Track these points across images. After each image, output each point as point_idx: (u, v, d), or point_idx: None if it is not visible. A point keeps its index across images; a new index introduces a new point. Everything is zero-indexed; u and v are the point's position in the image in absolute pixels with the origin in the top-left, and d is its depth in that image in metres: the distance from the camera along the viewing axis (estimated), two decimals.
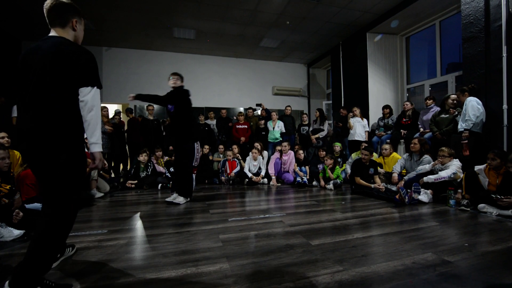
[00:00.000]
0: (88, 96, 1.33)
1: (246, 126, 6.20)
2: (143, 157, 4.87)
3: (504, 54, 3.50)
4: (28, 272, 1.22)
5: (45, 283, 1.29)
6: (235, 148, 5.50)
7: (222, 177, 5.29)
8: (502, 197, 2.66)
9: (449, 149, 3.46)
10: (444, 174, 3.30)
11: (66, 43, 1.36)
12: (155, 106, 6.74)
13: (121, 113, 6.14)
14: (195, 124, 3.31)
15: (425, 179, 3.43)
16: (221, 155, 5.80)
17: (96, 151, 1.39)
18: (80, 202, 3.07)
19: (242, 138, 6.03)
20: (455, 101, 4.07)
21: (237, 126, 6.18)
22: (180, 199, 3.38)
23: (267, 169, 5.31)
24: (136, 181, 4.77)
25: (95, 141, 1.37)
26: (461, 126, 3.51)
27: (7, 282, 1.22)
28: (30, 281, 1.23)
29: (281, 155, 5.23)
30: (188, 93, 3.34)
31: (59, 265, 1.64)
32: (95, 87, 1.36)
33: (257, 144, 5.46)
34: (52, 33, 1.45)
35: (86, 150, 1.54)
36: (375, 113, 5.97)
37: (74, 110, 1.34)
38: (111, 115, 5.80)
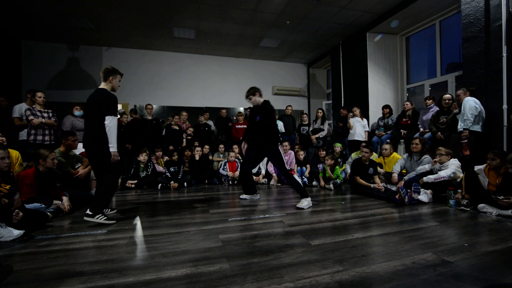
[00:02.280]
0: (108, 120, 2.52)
1: (245, 126, 6.18)
2: (143, 157, 4.86)
3: (504, 54, 3.50)
4: (96, 205, 2.53)
5: (104, 212, 2.61)
6: (236, 148, 5.50)
7: (224, 178, 5.29)
8: (502, 197, 2.66)
9: (445, 148, 3.46)
10: (444, 173, 3.30)
11: (104, 92, 2.61)
12: (154, 106, 6.74)
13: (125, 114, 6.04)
14: (277, 129, 3.46)
15: (424, 179, 3.43)
16: (221, 155, 5.80)
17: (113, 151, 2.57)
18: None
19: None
20: (450, 101, 4.08)
21: (237, 126, 6.18)
22: (304, 203, 3.14)
23: (267, 169, 5.31)
24: (136, 181, 4.78)
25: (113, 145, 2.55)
26: (460, 126, 3.51)
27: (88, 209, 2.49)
28: (97, 209, 2.52)
29: None
30: (269, 103, 3.41)
31: (59, 265, 1.64)
32: (113, 116, 2.54)
33: None
34: (102, 85, 2.65)
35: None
36: (375, 113, 5.97)
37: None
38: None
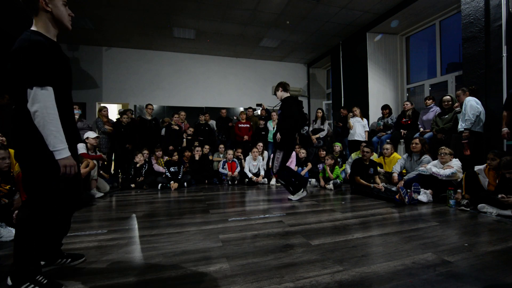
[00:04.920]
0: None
1: (248, 125, 6.22)
2: (138, 159, 4.86)
3: (504, 54, 3.50)
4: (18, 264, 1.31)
5: (36, 280, 1.34)
6: (240, 151, 5.52)
7: (223, 178, 5.30)
8: (504, 195, 2.65)
9: (448, 148, 3.48)
10: (443, 172, 3.31)
11: (18, 41, 1.28)
12: (155, 106, 6.74)
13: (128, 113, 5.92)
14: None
15: (421, 169, 3.53)
16: (221, 155, 5.80)
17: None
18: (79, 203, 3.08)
19: (245, 137, 6.04)
20: (449, 102, 4.09)
21: (239, 125, 6.20)
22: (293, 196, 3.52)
23: (267, 169, 5.31)
24: (137, 180, 4.78)
25: (58, 147, 1.30)
26: (461, 126, 3.51)
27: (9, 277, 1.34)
28: (21, 273, 1.31)
29: None
30: (288, 99, 3.54)
31: (59, 265, 1.64)
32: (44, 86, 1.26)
33: (260, 145, 5.46)
34: (32, 26, 1.37)
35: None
36: (375, 113, 5.97)
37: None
38: (112, 115, 5.76)
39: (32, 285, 1.30)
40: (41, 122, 1.23)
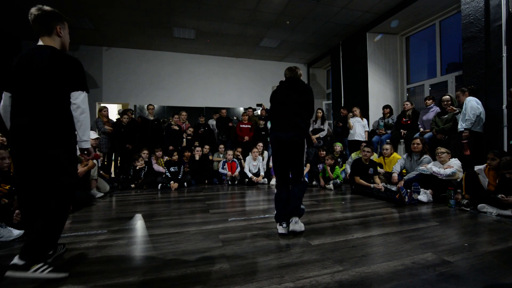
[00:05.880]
0: (79, 99, 1.54)
1: (249, 126, 6.23)
2: (139, 163, 4.85)
3: (504, 54, 3.50)
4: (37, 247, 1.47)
5: (47, 262, 1.54)
6: (239, 150, 5.51)
7: (223, 178, 5.30)
8: (504, 195, 2.65)
9: (444, 148, 3.51)
10: (443, 172, 3.31)
11: (57, 54, 1.55)
12: (156, 106, 6.74)
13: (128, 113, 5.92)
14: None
15: (422, 168, 3.51)
16: (221, 155, 5.80)
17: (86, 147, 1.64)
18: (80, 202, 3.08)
19: (246, 137, 6.05)
20: (449, 102, 4.08)
21: (241, 126, 6.22)
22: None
23: (267, 169, 5.31)
24: (137, 181, 4.78)
25: (86, 138, 1.61)
26: (461, 126, 3.51)
27: (16, 256, 1.43)
28: (36, 257, 1.46)
29: None
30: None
31: (58, 265, 1.64)
32: (85, 91, 1.57)
33: (260, 145, 5.47)
34: (40, 42, 1.62)
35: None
36: (375, 113, 5.97)
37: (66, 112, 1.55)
38: (112, 115, 5.76)
39: (46, 266, 1.46)
40: (85, 118, 1.56)
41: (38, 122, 1.45)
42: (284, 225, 2.16)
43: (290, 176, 2.34)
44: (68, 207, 1.60)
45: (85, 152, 1.65)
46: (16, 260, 1.41)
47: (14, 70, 1.55)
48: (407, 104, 5.09)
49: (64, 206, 1.54)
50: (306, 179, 4.93)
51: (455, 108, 3.88)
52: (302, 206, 2.31)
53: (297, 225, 2.14)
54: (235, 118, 7.35)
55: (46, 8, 1.62)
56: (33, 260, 1.43)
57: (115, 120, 5.73)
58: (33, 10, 1.58)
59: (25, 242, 1.46)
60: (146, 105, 6.13)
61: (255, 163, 5.30)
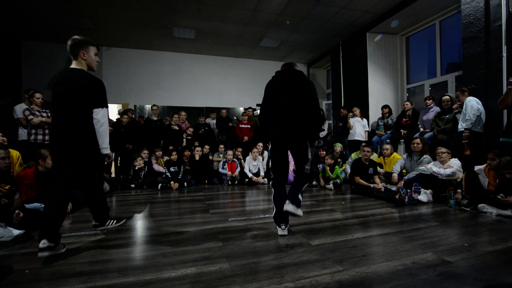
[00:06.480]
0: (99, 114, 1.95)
1: (249, 126, 6.23)
2: (137, 163, 4.85)
3: (504, 54, 3.50)
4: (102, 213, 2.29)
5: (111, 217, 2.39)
6: (240, 150, 5.51)
7: (223, 178, 5.30)
8: (502, 195, 2.65)
9: (443, 147, 3.51)
10: (443, 172, 3.31)
11: (83, 77, 1.94)
12: (159, 106, 6.75)
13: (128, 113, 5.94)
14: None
15: (422, 168, 3.52)
16: (221, 155, 5.81)
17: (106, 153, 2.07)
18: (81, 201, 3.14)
19: (245, 137, 6.05)
20: (448, 102, 4.09)
21: (241, 126, 6.22)
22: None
23: (267, 169, 5.31)
24: (137, 181, 4.78)
25: (105, 146, 2.02)
26: (461, 126, 3.51)
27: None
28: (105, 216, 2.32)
29: None
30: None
31: (59, 265, 1.64)
32: (104, 108, 1.98)
33: (260, 145, 5.46)
34: (73, 64, 2.01)
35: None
36: (375, 113, 5.97)
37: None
38: (112, 115, 5.75)
39: (113, 220, 2.37)
40: (104, 129, 1.99)
41: (68, 133, 1.89)
42: (283, 226, 2.15)
43: (293, 169, 2.28)
44: (102, 186, 2.24)
45: (109, 157, 2.10)
46: (44, 243, 1.73)
47: (52, 87, 1.98)
48: (407, 104, 5.09)
49: (95, 186, 2.14)
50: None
51: (455, 106, 3.88)
52: (300, 197, 2.11)
53: (290, 205, 2.01)
54: (235, 118, 7.35)
55: (76, 37, 2.04)
56: (54, 240, 1.80)
57: (115, 120, 5.73)
58: (68, 41, 2.01)
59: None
60: (150, 106, 6.14)
61: (255, 163, 5.30)
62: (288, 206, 2.01)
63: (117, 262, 1.69)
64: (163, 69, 7.56)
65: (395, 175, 3.92)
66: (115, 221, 2.40)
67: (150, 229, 2.40)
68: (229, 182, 5.19)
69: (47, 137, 4.04)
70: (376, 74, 6.03)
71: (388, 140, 5.02)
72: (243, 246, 1.93)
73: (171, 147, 5.40)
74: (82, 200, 3.31)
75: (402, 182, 3.68)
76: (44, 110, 4.11)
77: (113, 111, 7.72)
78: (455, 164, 3.36)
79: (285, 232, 2.13)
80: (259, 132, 6.24)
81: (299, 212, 2.04)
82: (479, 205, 2.83)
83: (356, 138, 5.45)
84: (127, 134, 5.41)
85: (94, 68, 2.10)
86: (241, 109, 7.95)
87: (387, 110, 5.44)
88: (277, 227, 2.18)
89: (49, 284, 1.42)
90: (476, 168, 3.10)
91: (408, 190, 3.25)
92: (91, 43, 2.08)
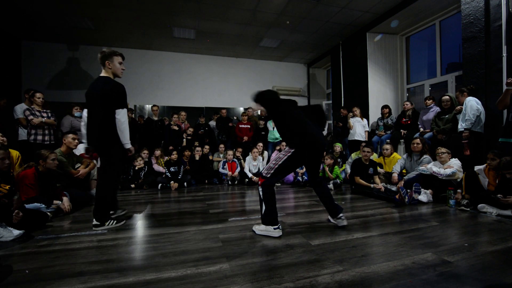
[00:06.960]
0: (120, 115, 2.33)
1: (249, 126, 6.23)
2: (137, 163, 4.85)
3: (504, 54, 3.50)
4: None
5: (111, 217, 2.52)
6: (240, 150, 5.51)
7: (223, 178, 5.30)
8: (502, 196, 2.65)
9: (443, 147, 3.51)
10: (443, 172, 3.31)
11: (108, 83, 2.34)
12: (160, 106, 6.75)
13: (128, 113, 5.98)
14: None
15: (422, 168, 3.51)
16: (221, 155, 5.81)
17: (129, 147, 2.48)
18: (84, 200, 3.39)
19: (245, 137, 6.06)
20: (448, 102, 4.08)
21: (240, 126, 6.22)
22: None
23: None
24: (137, 181, 4.78)
25: (126, 141, 2.42)
26: (461, 126, 3.51)
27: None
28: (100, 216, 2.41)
29: None
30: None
31: (59, 265, 1.64)
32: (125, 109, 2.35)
33: (260, 145, 5.46)
34: (102, 73, 2.41)
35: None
36: (375, 113, 5.97)
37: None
38: None
39: (113, 221, 2.49)
40: (124, 128, 2.37)
41: (98, 130, 2.32)
42: (276, 227, 2.12)
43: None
44: (116, 179, 2.60)
45: (130, 151, 2.49)
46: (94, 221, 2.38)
47: (86, 93, 2.37)
48: (407, 104, 5.09)
49: (102, 184, 2.46)
50: (300, 178, 4.92)
51: (458, 108, 3.87)
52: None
53: (342, 216, 2.35)
54: (235, 118, 7.35)
55: (103, 50, 2.40)
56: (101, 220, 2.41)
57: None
58: (98, 54, 2.39)
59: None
60: (151, 106, 6.13)
61: (255, 163, 5.30)
62: (344, 222, 2.35)
63: (117, 262, 1.69)
64: (163, 69, 7.56)
65: (395, 175, 3.92)
66: (115, 221, 2.48)
67: (150, 229, 2.40)
68: (229, 182, 5.19)
69: (46, 137, 4.04)
70: (376, 74, 6.03)
71: (388, 140, 5.02)
72: (243, 246, 1.93)
73: (171, 147, 5.40)
74: (82, 200, 3.34)
75: (402, 182, 3.68)
76: (44, 110, 4.11)
77: None
78: (455, 164, 3.36)
79: (281, 232, 2.13)
80: (259, 132, 6.24)
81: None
82: (479, 205, 2.83)
83: (356, 138, 5.45)
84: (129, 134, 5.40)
85: (119, 75, 2.46)
86: (241, 109, 7.95)
87: (387, 110, 5.44)
88: (272, 228, 2.11)
89: (49, 284, 1.42)
90: (476, 168, 3.10)
91: (408, 190, 3.25)
92: (116, 54, 2.42)
